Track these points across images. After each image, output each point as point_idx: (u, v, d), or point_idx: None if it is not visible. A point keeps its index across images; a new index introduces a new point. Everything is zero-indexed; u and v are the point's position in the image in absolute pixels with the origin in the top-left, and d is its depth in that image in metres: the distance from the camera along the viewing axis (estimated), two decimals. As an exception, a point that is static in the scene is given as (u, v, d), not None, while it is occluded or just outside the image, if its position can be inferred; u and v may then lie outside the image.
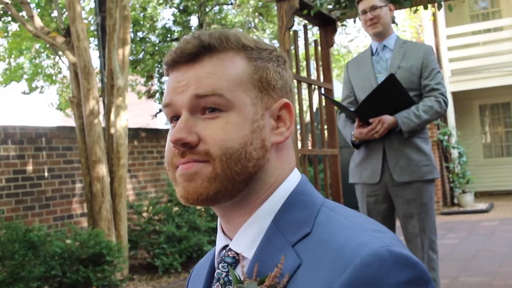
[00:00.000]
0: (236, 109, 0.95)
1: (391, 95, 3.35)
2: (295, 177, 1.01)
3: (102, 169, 6.72)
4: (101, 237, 6.07)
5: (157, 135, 9.61)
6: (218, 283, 0.99)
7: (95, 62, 9.23)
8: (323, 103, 5.26)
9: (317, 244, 0.88)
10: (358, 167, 3.61)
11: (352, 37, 15.04)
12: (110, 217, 6.75)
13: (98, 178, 6.70)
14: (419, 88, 3.50)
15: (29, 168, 7.31)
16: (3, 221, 5.87)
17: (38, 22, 7.42)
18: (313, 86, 4.93)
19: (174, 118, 0.99)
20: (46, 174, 7.51)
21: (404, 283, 0.80)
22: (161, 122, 21.87)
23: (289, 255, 0.89)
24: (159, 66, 11.26)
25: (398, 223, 3.69)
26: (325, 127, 5.07)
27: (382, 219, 3.50)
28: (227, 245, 1.01)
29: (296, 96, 4.55)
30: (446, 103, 3.46)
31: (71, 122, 7.50)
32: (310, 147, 7.87)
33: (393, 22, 3.83)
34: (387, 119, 3.37)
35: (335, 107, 4.55)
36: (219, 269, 1.00)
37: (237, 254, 0.97)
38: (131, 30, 10.24)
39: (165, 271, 6.90)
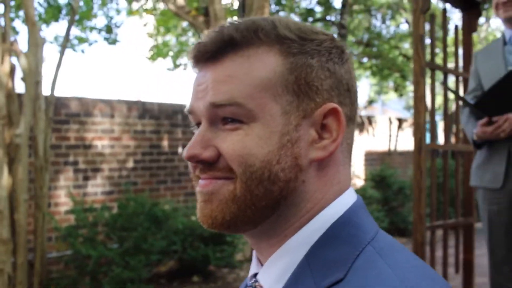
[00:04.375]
0: (260, 121, 0.76)
1: None
2: (344, 202, 0.80)
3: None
4: (224, 217, 6.09)
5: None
6: None
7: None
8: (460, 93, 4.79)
9: None
10: (479, 169, 3.19)
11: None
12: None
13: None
14: None
15: (164, 143, 7.55)
16: (132, 194, 6.11)
17: (180, 1, 7.59)
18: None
19: (199, 125, 0.84)
20: (180, 150, 7.72)
21: None
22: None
23: None
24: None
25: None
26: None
27: (504, 233, 3.06)
28: (257, 273, 0.85)
29: (429, 87, 4.16)
30: None
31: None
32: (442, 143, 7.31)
33: None
34: None
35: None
36: None
37: None
38: (273, 10, 10.20)
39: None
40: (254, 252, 0.88)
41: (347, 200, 0.81)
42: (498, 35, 14.31)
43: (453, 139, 8.49)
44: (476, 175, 3.22)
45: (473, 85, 3.34)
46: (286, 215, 0.79)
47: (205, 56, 0.80)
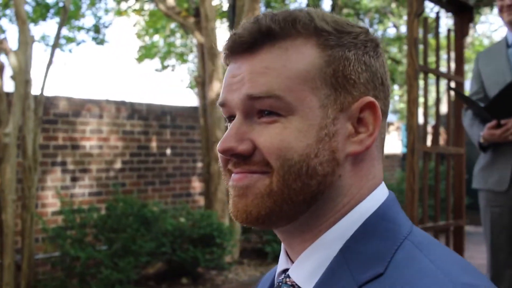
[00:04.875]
0: (299, 114, 0.75)
1: None
2: (378, 196, 0.80)
3: (220, 151, 6.75)
4: (213, 219, 6.07)
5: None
6: None
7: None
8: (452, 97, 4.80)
9: None
10: (484, 171, 3.19)
11: (496, 27, 13.89)
12: (225, 199, 6.76)
13: (216, 159, 6.72)
14: None
15: (153, 144, 7.51)
16: (121, 195, 6.06)
17: (170, 1, 7.56)
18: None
19: (231, 117, 0.82)
20: (168, 151, 7.68)
21: None
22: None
23: None
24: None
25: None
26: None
27: (505, 237, 3.07)
28: (287, 269, 0.83)
29: (422, 89, 4.18)
30: None
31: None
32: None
33: None
34: None
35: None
36: None
37: (295, 284, 0.79)
38: (263, 12, 10.20)
39: (274, 259, 6.81)
40: (282, 248, 0.86)
41: (381, 194, 0.80)
42: (485, 40, 14.44)
43: (441, 141, 8.53)
44: (480, 177, 3.21)
45: (475, 88, 3.32)
46: (322, 209, 0.78)
47: (242, 47, 0.79)
